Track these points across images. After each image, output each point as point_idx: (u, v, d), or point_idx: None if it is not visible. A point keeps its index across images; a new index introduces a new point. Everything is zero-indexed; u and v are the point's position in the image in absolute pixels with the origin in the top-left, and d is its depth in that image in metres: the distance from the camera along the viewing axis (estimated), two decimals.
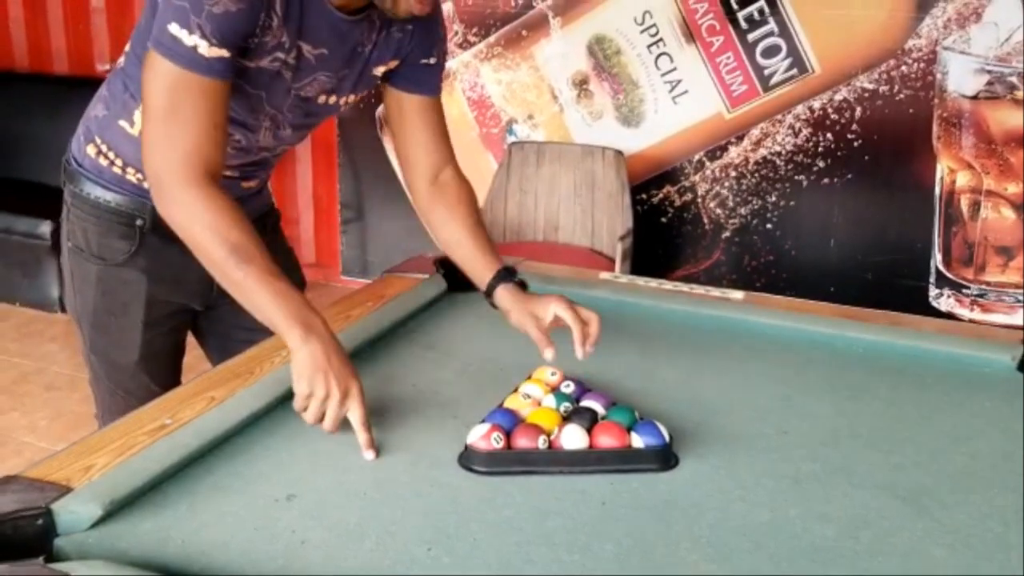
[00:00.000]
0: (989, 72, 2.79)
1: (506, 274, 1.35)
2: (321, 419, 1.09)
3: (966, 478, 1.07)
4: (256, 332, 1.38)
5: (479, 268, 1.37)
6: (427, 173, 1.43)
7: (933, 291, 3.02)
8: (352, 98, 1.41)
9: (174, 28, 1.12)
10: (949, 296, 3.00)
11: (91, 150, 1.42)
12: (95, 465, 1.00)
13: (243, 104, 1.28)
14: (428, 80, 1.41)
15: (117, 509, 0.93)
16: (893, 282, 3.04)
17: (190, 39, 1.12)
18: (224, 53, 1.15)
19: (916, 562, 0.91)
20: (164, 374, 1.53)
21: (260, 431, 1.11)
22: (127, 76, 1.36)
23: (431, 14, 1.32)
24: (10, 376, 3.14)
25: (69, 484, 0.95)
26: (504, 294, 1.33)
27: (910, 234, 3.00)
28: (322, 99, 1.35)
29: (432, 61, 1.40)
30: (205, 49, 1.13)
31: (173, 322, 1.53)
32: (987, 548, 0.93)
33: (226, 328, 1.54)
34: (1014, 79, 2.76)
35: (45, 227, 3.65)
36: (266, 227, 1.53)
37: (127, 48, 1.36)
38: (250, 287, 1.13)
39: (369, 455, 1.07)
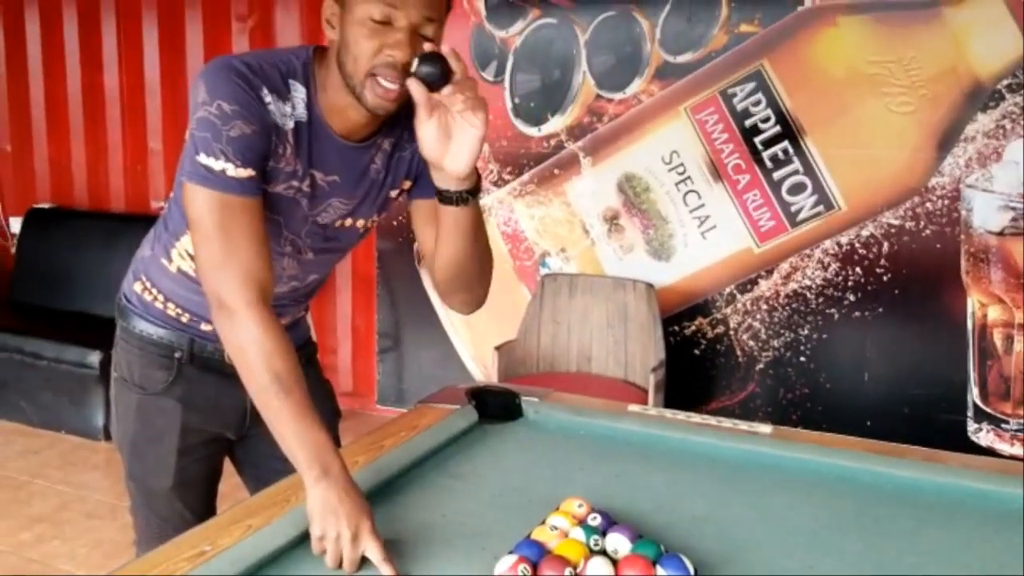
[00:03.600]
0: (1013, 209, 2.85)
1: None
2: (340, 561, 1.11)
3: None
4: (288, 462, 1.42)
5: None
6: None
7: (972, 426, 2.99)
8: (373, 220, 1.47)
9: (202, 158, 1.23)
10: (988, 431, 2.97)
11: (138, 287, 1.53)
12: None
13: (272, 229, 1.35)
14: None
15: None
16: (931, 416, 3.01)
17: (218, 164, 1.23)
18: (250, 172, 1.25)
19: None
20: (198, 501, 1.58)
21: (295, 559, 1.14)
22: (168, 217, 1.47)
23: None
24: (52, 504, 3.19)
25: None
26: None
27: (945, 368, 3.00)
28: (339, 223, 1.43)
29: None
30: (233, 171, 1.23)
31: (207, 450, 1.58)
32: None
33: (260, 458, 1.58)
34: None
35: (94, 357, 3.76)
36: (301, 360, 1.59)
37: (171, 195, 1.47)
38: (281, 419, 1.19)
39: None
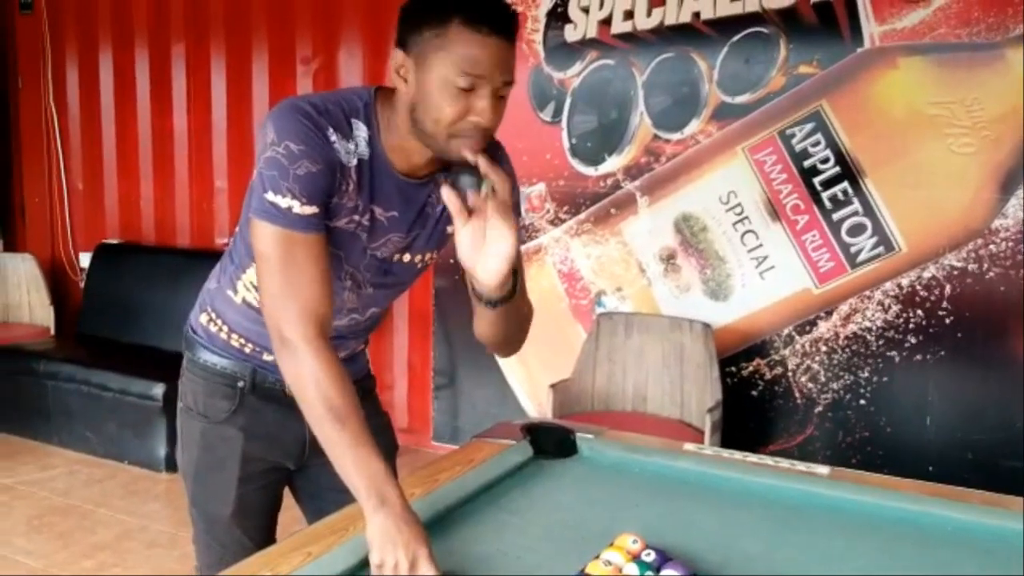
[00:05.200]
0: None
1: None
2: None
3: None
4: (347, 493, 1.45)
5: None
6: None
7: None
8: (429, 256, 1.50)
9: (270, 195, 1.27)
10: None
11: (204, 318, 1.58)
12: None
13: (333, 263, 1.38)
14: None
15: None
16: (995, 462, 2.94)
17: (284, 201, 1.27)
18: (315, 209, 1.29)
19: None
20: (257, 530, 1.61)
21: None
22: (233, 251, 1.52)
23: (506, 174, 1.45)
24: (114, 532, 3.26)
25: None
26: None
27: (1010, 413, 2.92)
28: (396, 257, 1.46)
29: None
30: (298, 208, 1.27)
31: (267, 479, 1.61)
32: None
33: (320, 488, 1.60)
34: None
35: (158, 389, 3.85)
36: (359, 393, 1.62)
37: (237, 230, 1.52)
38: (339, 449, 1.22)
39: None
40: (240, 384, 1.54)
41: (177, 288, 4.35)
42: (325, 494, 1.54)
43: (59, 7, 5.01)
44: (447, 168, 1.39)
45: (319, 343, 1.26)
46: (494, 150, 1.39)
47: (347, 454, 1.21)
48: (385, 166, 1.36)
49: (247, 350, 1.54)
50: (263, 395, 1.55)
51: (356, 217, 1.37)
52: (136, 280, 4.62)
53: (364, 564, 1.19)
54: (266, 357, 1.52)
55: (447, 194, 1.27)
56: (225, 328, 1.54)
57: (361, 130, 1.33)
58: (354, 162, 1.33)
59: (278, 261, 1.28)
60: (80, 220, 5.17)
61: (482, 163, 1.25)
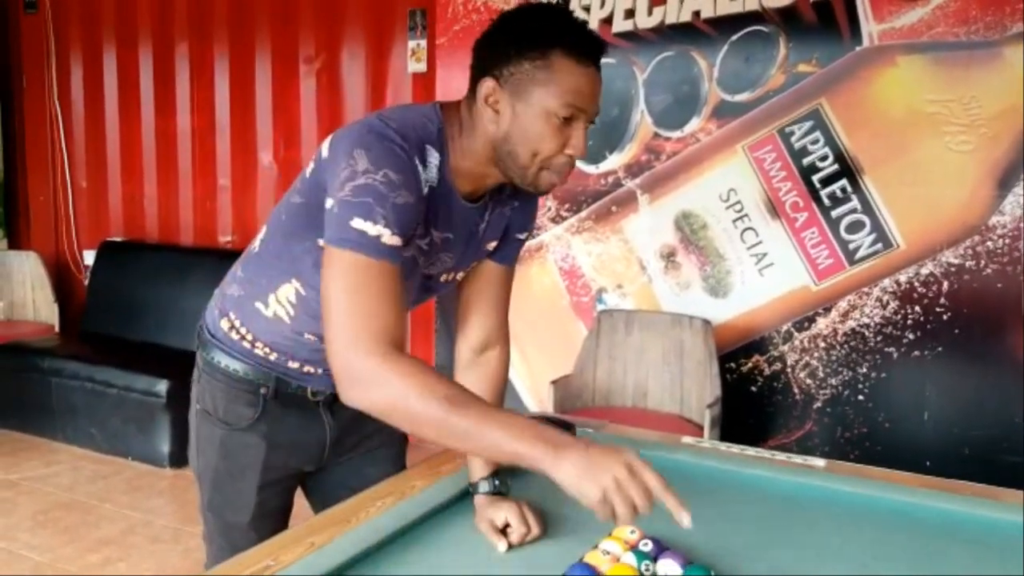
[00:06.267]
0: None
1: (491, 479, 1.41)
2: (632, 507, 1.06)
3: None
4: (356, 490, 1.46)
5: (476, 463, 1.44)
6: (477, 342, 1.53)
7: None
8: (467, 270, 1.50)
9: (358, 223, 1.18)
10: None
11: (224, 324, 1.52)
12: None
13: None
14: (511, 251, 1.51)
15: None
16: (993, 458, 2.96)
17: (375, 229, 1.18)
18: (401, 241, 1.21)
19: None
20: (272, 531, 1.55)
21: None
22: (263, 263, 1.46)
23: (534, 198, 1.47)
24: (118, 528, 3.28)
25: None
26: (480, 499, 1.40)
27: (1008, 409, 2.94)
28: (443, 277, 1.46)
29: (523, 236, 1.51)
30: (387, 238, 1.19)
31: (285, 484, 1.59)
32: None
33: (331, 487, 1.61)
34: None
35: (162, 386, 3.88)
36: None
37: (262, 235, 1.47)
38: (479, 431, 1.12)
39: (685, 519, 1.07)
40: (263, 391, 1.50)
41: (180, 286, 4.39)
42: (336, 491, 1.54)
43: (63, 6, 5.04)
44: (501, 189, 1.40)
45: (397, 355, 1.17)
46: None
47: (489, 435, 1.12)
48: (451, 191, 1.32)
49: (272, 358, 1.50)
50: (285, 402, 1.52)
51: (418, 242, 1.34)
52: (140, 278, 4.64)
53: (365, 554, 1.22)
54: (291, 364, 1.49)
55: (485, 529, 1.33)
56: (250, 336, 1.49)
57: (434, 157, 1.28)
58: (426, 190, 1.29)
59: (353, 289, 1.18)
60: (84, 218, 5.20)
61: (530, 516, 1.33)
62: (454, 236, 1.38)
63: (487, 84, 1.25)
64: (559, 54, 1.21)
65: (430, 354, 4.08)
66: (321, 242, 1.28)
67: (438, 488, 1.46)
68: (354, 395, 1.18)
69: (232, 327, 1.51)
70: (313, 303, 1.38)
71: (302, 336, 1.45)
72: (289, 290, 1.42)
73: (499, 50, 1.25)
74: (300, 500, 1.73)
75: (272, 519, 1.58)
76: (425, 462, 1.64)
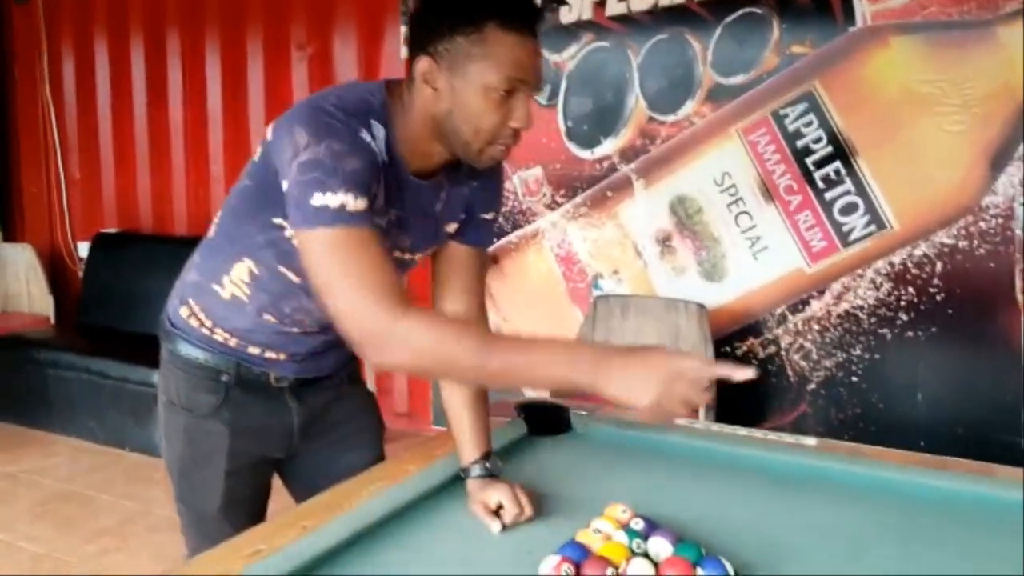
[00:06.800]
0: None
1: (482, 462, 1.42)
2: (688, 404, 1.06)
3: None
4: (338, 478, 1.46)
5: (466, 447, 1.44)
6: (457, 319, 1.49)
7: None
8: (426, 253, 1.48)
9: (317, 199, 1.16)
10: None
11: (184, 311, 1.51)
12: None
13: None
14: (482, 233, 1.49)
15: None
16: (986, 437, 2.96)
17: (335, 199, 1.16)
18: (366, 204, 1.19)
19: None
20: (247, 521, 1.53)
21: (347, 559, 1.19)
22: (217, 246, 1.45)
23: (495, 172, 1.45)
24: (117, 518, 3.29)
25: None
26: (473, 483, 1.40)
27: (1000, 388, 2.95)
28: (397, 255, 1.43)
29: (490, 216, 1.48)
30: (352, 204, 1.17)
31: (255, 471, 1.57)
32: None
33: (308, 475, 1.60)
34: None
35: (157, 377, 3.87)
36: (345, 378, 1.62)
37: (216, 221, 1.47)
38: (519, 365, 1.11)
39: (749, 372, 1.09)
40: (224, 378, 1.49)
41: (175, 276, 4.37)
42: (316, 480, 1.53)
43: None
44: (457, 167, 1.38)
45: (414, 309, 1.15)
46: None
47: (528, 364, 1.10)
48: (401, 167, 1.31)
49: (232, 343, 1.48)
50: (248, 388, 1.50)
51: (377, 219, 1.31)
52: (135, 269, 4.64)
53: (356, 538, 1.22)
54: (251, 350, 1.48)
55: (479, 512, 1.33)
56: (209, 322, 1.48)
57: (379, 131, 1.27)
58: (379, 163, 1.27)
59: (340, 264, 1.16)
60: (78, 210, 5.19)
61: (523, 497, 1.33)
62: (407, 215, 1.35)
63: (423, 62, 1.23)
64: (493, 27, 1.19)
65: None
66: (276, 220, 1.30)
67: (431, 472, 1.46)
68: (386, 359, 1.15)
69: (192, 314, 1.50)
70: (267, 282, 1.39)
71: (261, 317, 1.44)
72: (242, 270, 1.41)
73: (432, 26, 1.22)
74: (284, 495, 1.71)
75: (244, 508, 1.56)
76: (420, 447, 1.65)
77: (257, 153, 1.33)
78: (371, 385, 4.04)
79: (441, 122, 1.26)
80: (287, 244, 1.32)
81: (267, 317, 1.44)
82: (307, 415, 1.56)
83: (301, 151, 1.18)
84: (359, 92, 1.28)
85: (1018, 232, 2.89)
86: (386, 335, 1.13)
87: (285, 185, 1.21)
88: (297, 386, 1.53)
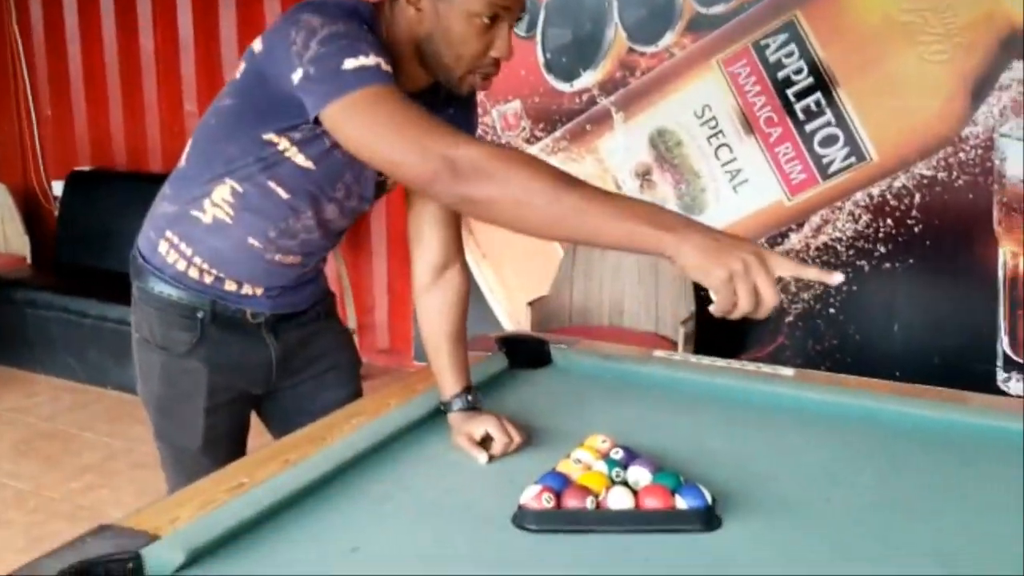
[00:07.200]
0: None
1: (463, 395, 1.43)
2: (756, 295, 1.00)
3: (1002, 546, 1.09)
4: (316, 416, 1.45)
5: (447, 381, 1.45)
6: (435, 260, 1.49)
7: (1002, 375, 2.98)
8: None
9: (350, 63, 1.13)
10: (1018, 380, 2.96)
11: (163, 247, 1.47)
12: (179, 518, 1.09)
13: (331, 170, 1.35)
14: None
15: (198, 557, 1.01)
16: (961, 366, 3.01)
17: (371, 60, 1.14)
18: (392, 72, 1.16)
19: None
20: (227, 458, 1.49)
21: (329, 491, 1.19)
22: (192, 173, 1.43)
23: (471, 101, 1.44)
24: (100, 455, 3.31)
25: (157, 533, 1.04)
26: (455, 416, 1.41)
27: (976, 318, 2.99)
28: (375, 176, 1.42)
29: None
30: (385, 65, 1.15)
31: (234, 408, 1.56)
32: None
33: (289, 412, 1.60)
34: None
35: None
36: (320, 313, 1.62)
37: (187, 151, 1.45)
38: (594, 207, 1.04)
39: (837, 277, 1.04)
40: (199, 315, 1.46)
41: None
42: (296, 418, 1.52)
43: None
44: (435, 92, 1.35)
45: (474, 140, 1.13)
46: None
47: (601, 208, 1.03)
48: None
49: (207, 280, 1.46)
50: (224, 325, 1.48)
51: None
52: (110, 207, 4.58)
53: (338, 471, 1.23)
54: (228, 287, 1.46)
55: (464, 443, 1.33)
56: (189, 252, 1.45)
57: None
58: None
59: (389, 116, 1.11)
60: (51, 148, 5.09)
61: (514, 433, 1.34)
62: None
63: None
64: None
65: (407, 277, 4.07)
66: (266, 136, 1.28)
67: (413, 406, 1.47)
68: (460, 189, 1.07)
69: (171, 247, 1.46)
70: (254, 199, 1.37)
71: (245, 242, 1.42)
72: (224, 190, 1.38)
73: None
74: (264, 435, 1.70)
75: (224, 444, 1.55)
76: (401, 381, 1.65)
77: (239, 71, 1.31)
78: (353, 322, 4.07)
79: (422, 44, 1.26)
80: (278, 158, 1.31)
81: (251, 242, 1.42)
82: (284, 350, 1.56)
83: (319, 30, 1.16)
84: (351, 3, 1.26)
85: (997, 163, 2.90)
86: (462, 161, 1.06)
87: (298, 76, 1.17)
88: (274, 322, 1.52)
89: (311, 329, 1.60)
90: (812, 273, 1.03)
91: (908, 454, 1.35)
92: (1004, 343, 2.98)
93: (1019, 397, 2.81)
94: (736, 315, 1.02)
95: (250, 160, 1.34)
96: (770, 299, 1.01)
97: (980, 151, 2.91)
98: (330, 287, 1.70)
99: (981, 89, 2.89)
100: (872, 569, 1.04)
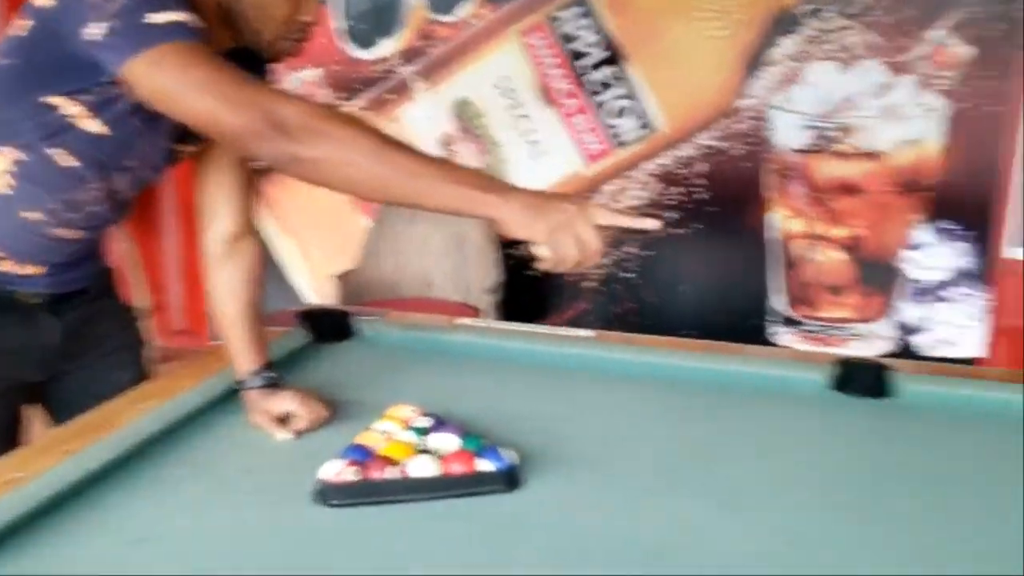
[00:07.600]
0: (813, 128, 3.06)
1: (261, 372, 1.38)
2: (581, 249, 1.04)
3: (778, 483, 1.18)
4: (104, 399, 1.37)
5: (243, 358, 1.39)
6: (227, 231, 1.42)
7: (772, 328, 3.24)
8: (198, 146, 1.38)
9: (151, 17, 1.05)
10: (788, 333, 3.23)
11: None
12: None
13: (126, 137, 1.26)
14: None
15: None
16: (741, 323, 3.24)
17: (175, 15, 1.06)
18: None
19: (738, 559, 1.00)
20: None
21: (115, 480, 1.12)
22: None
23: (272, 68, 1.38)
24: None
25: None
26: (252, 394, 1.36)
27: (754, 277, 3.22)
28: (171, 145, 1.35)
29: None
30: (191, 21, 1.08)
31: (8, 398, 1.45)
32: (798, 540, 1.04)
33: (74, 396, 1.48)
34: (835, 133, 3.03)
35: None
36: (101, 291, 1.53)
37: None
38: (422, 169, 1.05)
39: (651, 223, 1.10)
40: None
41: None
42: (81, 400, 1.42)
43: None
44: (238, 58, 1.25)
45: (293, 96, 1.06)
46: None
47: (427, 169, 1.04)
48: None
49: None
50: (2, 308, 1.37)
51: None
52: None
53: (124, 459, 1.16)
54: (1, 267, 1.34)
55: (262, 421, 1.30)
56: None
57: None
58: None
59: (210, 66, 1.05)
60: None
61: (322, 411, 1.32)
62: None
63: None
64: None
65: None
66: (49, 99, 1.19)
67: (207, 386, 1.41)
68: (285, 144, 1.02)
69: None
70: (37, 168, 1.26)
71: (25, 215, 1.31)
72: (4, 161, 1.27)
73: None
74: None
75: None
76: (197, 361, 1.58)
77: (21, 27, 1.19)
78: (145, 301, 3.84)
79: (230, 7, 1.21)
80: (62, 124, 1.21)
81: (33, 215, 1.30)
82: (66, 333, 1.45)
83: None
84: None
85: (768, 133, 3.11)
86: (283, 120, 1.02)
87: (95, 31, 1.07)
88: (53, 302, 1.41)
89: (95, 308, 1.50)
90: (629, 220, 1.09)
91: (698, 406, 1.44)
92: (776, 299, 3.22)
93: (787, 348, 3.06)
94: (565, 267, 1.06)
95: (30, 126, 1.23)
96: (593, 247, 1.04)
97: (754, 122, 3.12)
98: (111, 263, 1.59)
99: (755, 63, 3.08)
100: (660, 511, 1.09)
